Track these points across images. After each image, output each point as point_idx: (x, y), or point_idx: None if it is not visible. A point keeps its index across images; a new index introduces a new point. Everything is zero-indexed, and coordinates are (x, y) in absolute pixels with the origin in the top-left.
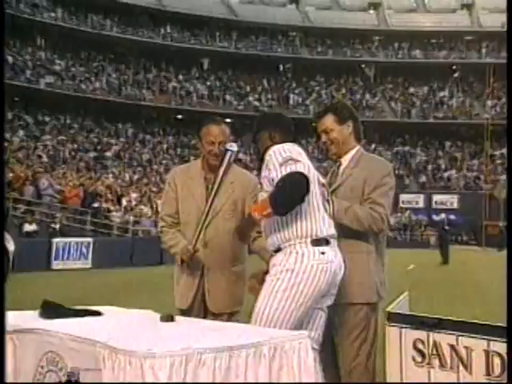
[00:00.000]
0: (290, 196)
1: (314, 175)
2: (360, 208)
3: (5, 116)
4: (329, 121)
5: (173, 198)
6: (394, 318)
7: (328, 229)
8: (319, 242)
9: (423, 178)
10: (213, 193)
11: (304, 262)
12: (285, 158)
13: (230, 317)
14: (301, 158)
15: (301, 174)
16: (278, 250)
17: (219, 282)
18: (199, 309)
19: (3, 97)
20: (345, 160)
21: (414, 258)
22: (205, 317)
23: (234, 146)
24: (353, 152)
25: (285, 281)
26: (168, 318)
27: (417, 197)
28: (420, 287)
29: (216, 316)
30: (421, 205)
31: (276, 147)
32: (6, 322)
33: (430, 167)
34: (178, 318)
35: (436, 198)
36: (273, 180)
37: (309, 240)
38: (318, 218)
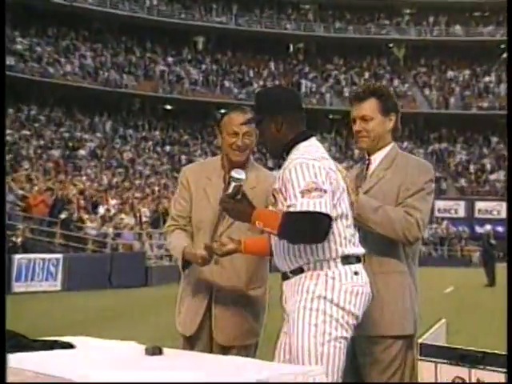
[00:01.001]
0: (302, 239)
1: (342, 188)
2: (393, 209)
3: (5, 113)
4: (371, 106)
5: (186, 198)
6: (429, 350)
7: (358, 246)
8: (350, 259)
9: (464, 182)
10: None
11: (336, 287)
12: (308, 183)
13: (242, 351)
14: (326, 186)
15: (324, 216)
16: (298, 271)
17: (230, 308)
18: (206, 338)
19: (3, 94)
20: (375, 159)
21: (452, 278)
22: (211, 349)
23: (241, 173)
24: (387, 149)
25: (319, 311)
26: (155, 350)
27: (456, 204)
28: (460, 313)
29: (224, 349)
30: (461, 214)
31: (298, 160)
32: (5, 321)
33: (472, 168)
34: (167, 350)
35: (479, 205)
36: (288, 207)
37: (339, 259)
38: (347, 235)
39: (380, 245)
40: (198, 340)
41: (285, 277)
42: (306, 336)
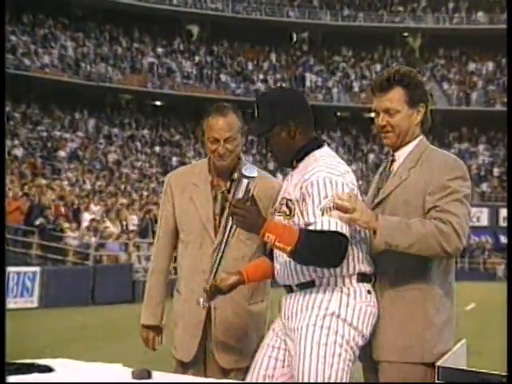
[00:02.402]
0: (317, 261)
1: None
2: (422, 222)
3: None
4: (397, 98)
5: (169, 210)
6: (447, 374)
7: (371, 264)
8: (365, 277)
9: (487, 186)
10: (225, 212)
11: (351, 304)
12: (329, 201)
13: (241, 373)
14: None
15: (343, 238)
16: (307, 285)
17: (232, 326)
18: (201, 360)
19: (3, 95)
20: (399, 155)
21: (474, 293)
22: (205, 373)
23: (253, 171)
24: (413, 144)
25: (331, 330)
26: (143, 373)
27: (478, 211)
28: (483, 333)
29: (224, 372)
30: (484, 222)
31: (322, 174)
32: (5, 320)
33: (496, 171)
34: (157, 373)
35: (504, 212)
36: (307, 225)
37: (355, 276)
38: (364, 251)
39: (393, 258)
40: (193, 364)
41: (289, 290)
42: (315, 356)
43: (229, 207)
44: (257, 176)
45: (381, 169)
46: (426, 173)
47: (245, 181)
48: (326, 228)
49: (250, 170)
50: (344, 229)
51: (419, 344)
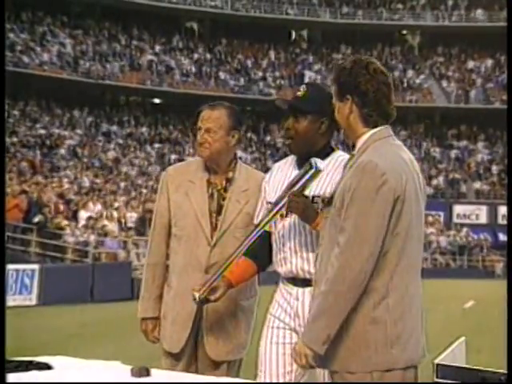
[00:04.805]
0: None
1: None
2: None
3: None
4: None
5: (164, 205)
6: (446, 372)
7: None
8: None
9: (486, 184)
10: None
11: None
12: None
13: (232, 366)
14: None
15: None
16: None
17: (223, 320)
18: (190, 354)
19: (3, 94)
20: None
21: (473, 291)
22: (196, 365)
23: (320, 162)
24: (360, 142)
25: None
26: (142, 371)
27: (477, 209)
28: (482, 331)
29: (215, 365)
30: (483, 220)
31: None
32: (5, 318)
33: (494, 169)
34: (156, 371)
35: (503, 210)
36: None
37: None
38: None
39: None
40: (183, 356)
41: (303, 285)
42: None
43: (289, 196)
44: (321, 168)
45: None
46: (348, 177)
47: (310, 173)
48: None
49: (320, 162)
50: None
51: (340, 352)
